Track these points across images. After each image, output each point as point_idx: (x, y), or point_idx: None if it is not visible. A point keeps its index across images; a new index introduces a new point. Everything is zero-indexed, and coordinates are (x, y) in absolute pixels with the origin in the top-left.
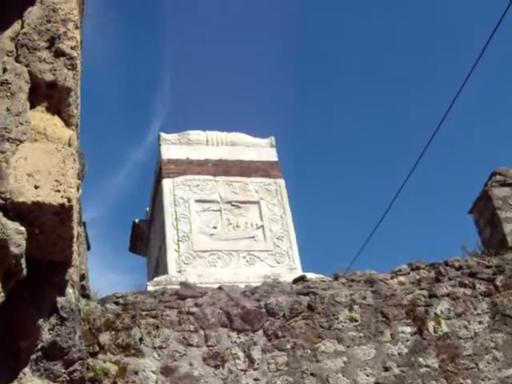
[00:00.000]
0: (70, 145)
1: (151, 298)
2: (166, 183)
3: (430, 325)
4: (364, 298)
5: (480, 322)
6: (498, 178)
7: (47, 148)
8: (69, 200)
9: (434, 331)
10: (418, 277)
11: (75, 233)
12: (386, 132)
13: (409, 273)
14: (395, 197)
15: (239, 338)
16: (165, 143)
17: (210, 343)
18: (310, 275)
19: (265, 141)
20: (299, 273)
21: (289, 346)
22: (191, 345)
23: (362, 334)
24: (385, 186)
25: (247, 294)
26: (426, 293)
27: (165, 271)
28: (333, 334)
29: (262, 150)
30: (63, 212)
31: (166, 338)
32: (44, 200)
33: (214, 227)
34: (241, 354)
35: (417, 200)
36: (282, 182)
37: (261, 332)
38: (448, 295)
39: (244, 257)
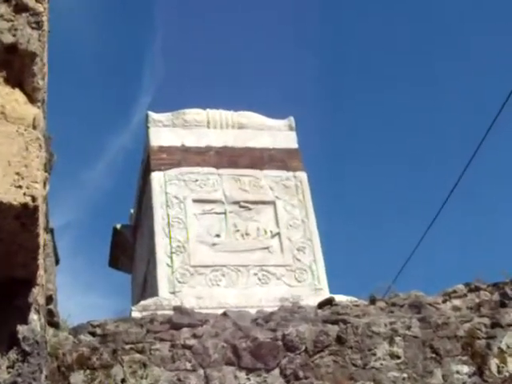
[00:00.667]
0: (34, 127)
1: (137, 327)
2: (156, 178)
3: (493, 363)
4: (409, 327)
5: None
6: None
7: (6, 131)
8: (33, 199)
9: (499, 371)
10: (477, 300)
11: (41, 242)
12: (437, 125)
13: (466, 295)
14: (447, 198)
15: (249, 379)
16: (154, 125)
17: None
18: (339, 298)
19: (282, 122)
20: (326, 295)
21: None
22: None
23: (405, 375)
24: (435, 185)
25: (259, 321)
26: (487, 321)
27: (154, 292)
28: (369, 375)
29: (278, 134)
30: (26, 214)
31: (155, 380)
32: (1, 199)
33: (217, 235)
34: None
35: (472, 203)
36: (303, 175)
37: (277, 372)
38: None
39: (255, 274)
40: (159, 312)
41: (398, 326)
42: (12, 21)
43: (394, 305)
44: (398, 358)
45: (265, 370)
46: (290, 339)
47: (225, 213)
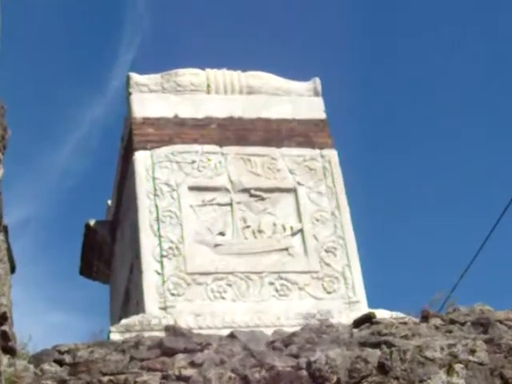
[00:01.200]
0: None
1: (117, 353)
2: (141, 159)
3: None
4: (472, 351)
5: None
6: None
7: None
8: None
9: None
10: None
11: None
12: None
13: None
14: None
15: None
16: (138, 90)
17: None
18: (380, 313)
19: (305, 85)
20: (363, 309)
21: None
22: None
23: None
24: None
25: (277, 345)
26: None
27: (139, 308)
28: None
29: (300, 100)
30: None
31: None
32: None
33: (221, 233)
34: None
35: None
36: (333, 154)
37: None
38: None
39: (272, 283)
40: (146, 333)
41: (458, 350)
42: None
43: (452, 322)
44: None
45: None
46: (317, 368)
47: (231, 204)
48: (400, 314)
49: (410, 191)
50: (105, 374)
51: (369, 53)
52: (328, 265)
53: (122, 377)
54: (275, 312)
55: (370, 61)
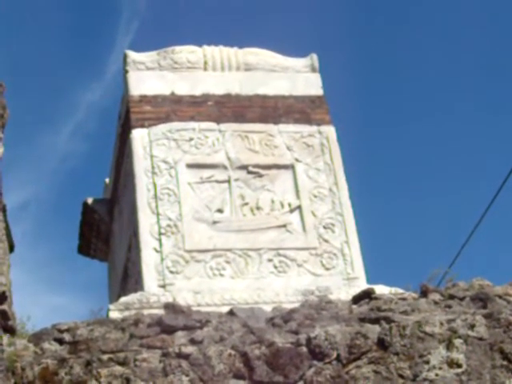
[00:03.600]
0: None
1: (117, 331)
2: (138, 137)
3: None
4: (472, 326)
5: None
6: None
7: None
8: None
9: None
10: None
11: None
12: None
13: None
14: None
15: None
16: (135, 68)
17: None
18: (379, 289)
19: (302, 62)
20: (362, 285)
21: None
22: None
23: None
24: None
25: (277, 322)
26: None
27: (138, 286)
28: None
29: (297, 77)
30: None
31: None
32: None
33: (219, 210)
34: None
35: None
36: (331, 131)
37: None
38: None
39: (270, 259)
40: (145, 311)
41: (457, 325)
42: None
43: (452, 297)
44: (459, 366)
45: None
46: (316, 344)
47: (229, 181)
48: (399, 290)
49: (409, 167)
50: (104, 352)
51: (366, 28)
52: (326, 241)
53: (122, 355)
54: (274, 289)
55: (368, 36)
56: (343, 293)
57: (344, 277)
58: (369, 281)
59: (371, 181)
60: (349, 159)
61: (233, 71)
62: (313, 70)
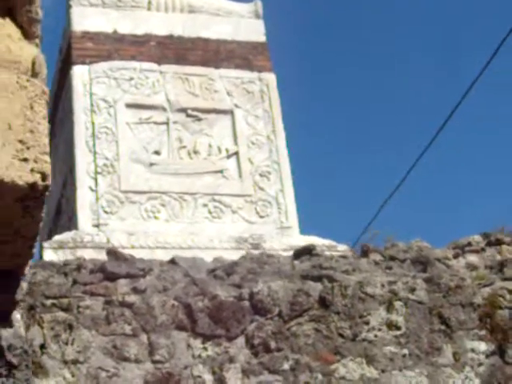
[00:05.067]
0: (35, 74)
1: (60, 275)
2: (78, 73)
3: None
4: (412, 289)
5: None
6: None
7: (2, 81)
8: (43, 177)
9: None
10: (499, 258)
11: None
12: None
13: (483, 249)
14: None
15: (206, 349)
16: (78, 4)
17: (157, 357)
18: (313, 240)
19: (246, 7)
20: (295, 235)
21: (287, 367)
22: (127, 359)
23: (406, 351)
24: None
25: (219, 274)
26: None
27: (72, 224)
28: (359, 350)
29: (240, 21)
30: (32, 197)
31: (84, 346)
32: (2, 176)
33: (156, 152)
34: (208, 377)
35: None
36: (271, 78)
37: (242, 340)
38: None
39: (205, 204)
40: (79, 251)
41: (398, 288)
42: None
43: (392, 259)
44: (398, 328)
45: (226, 338)
46: (259, 299)
47: (167, 123)
48: (332, 242)
49: (347, 119)
50: (48, 298)
51: None
52: (262, 189)
53: (65, 301)
54: (208, 234)
55: None
56: (276, 242)
57: (277, 226)
58: (301, 231)
59: (310, 130)
60: (289, 107)
61: (176, 12)
62: (256, 16)
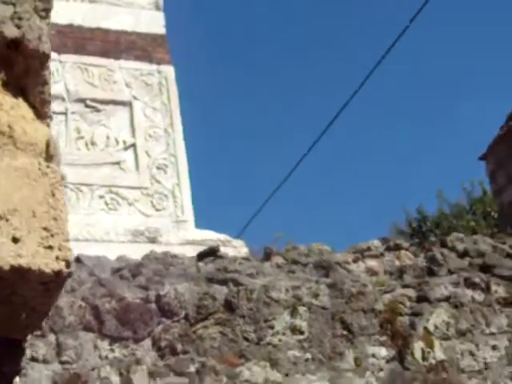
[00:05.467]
0: (50, 157)
1: None
2: None
3: (417, 347)
4: (316, 295)
5: (494, 348)
6: None
7: (23, 166)
8: (67, 264)
9: (423, 357)
10: (397, 263)
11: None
12: None
13: (382, 254)
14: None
15: (113, 350)
16: None
17: (65, 358)
18: (208, 234)
19: None
20: (191, 229)
21: (192, 369)
22: (35, 359)
23: (309, 356)
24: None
25: (125, 274)
26: (413, 293)
27: None
28: (263, 353)
29: (141, 13)
30: (56, 282)
31: None
32: (29, 264)
33: None
34: (115, 379)
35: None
36: (170, 71)
37: (148, 342)
38: (447, 299)
39: (102, 196)
40: None
41: (302, 293)
42: (14, 4)
43: (295, 262)
44: (301, 333)
45: (133, 340)
46: (166, 302)
47: (65, 113)
48: (227, 237)
49: (247, 111)
50: None
51: None
52: (158, 182)
53: None
54: (104, 226)
55: None
56: (172, 235)
57: (173, 219)
58: (197, 225)
59: (209, 123)
60: (185, 101)
61: (77, 1)
62: (157, 7)
